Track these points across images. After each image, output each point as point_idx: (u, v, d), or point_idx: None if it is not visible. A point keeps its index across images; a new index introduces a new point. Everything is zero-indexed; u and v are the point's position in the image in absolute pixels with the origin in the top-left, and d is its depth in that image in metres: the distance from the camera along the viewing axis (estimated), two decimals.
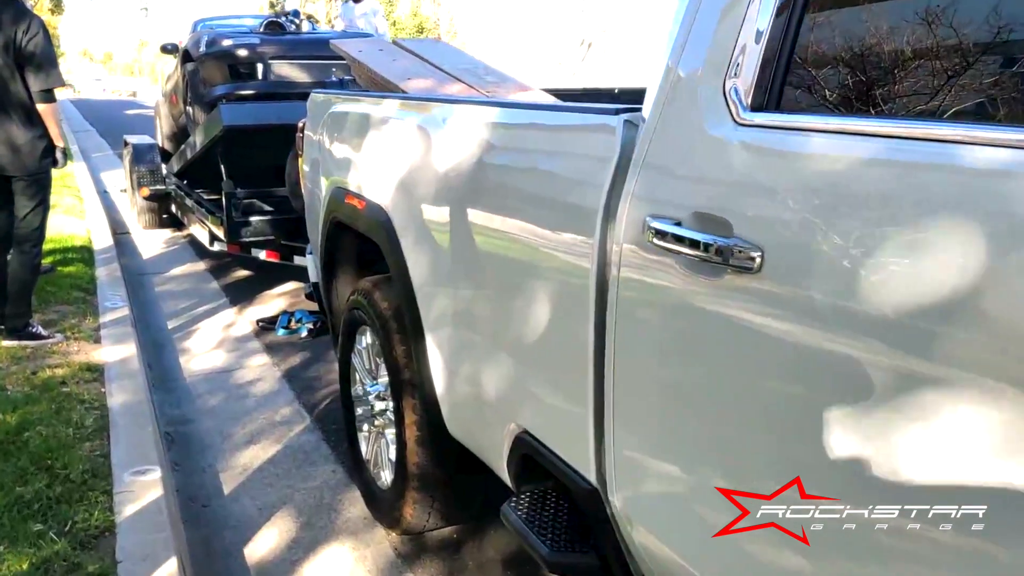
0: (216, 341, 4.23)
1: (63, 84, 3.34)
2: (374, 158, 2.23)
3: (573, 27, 32.26)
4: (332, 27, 11.86)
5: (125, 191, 8.65)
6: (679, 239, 1.05)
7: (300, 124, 3.12)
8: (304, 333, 4.27)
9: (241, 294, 5.12)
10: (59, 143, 3.37)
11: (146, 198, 6.92)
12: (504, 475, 1.73)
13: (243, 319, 4.62)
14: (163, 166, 7.00)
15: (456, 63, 3.02)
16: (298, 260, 4.76)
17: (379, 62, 2.90)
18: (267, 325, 4.42)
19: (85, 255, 5.26)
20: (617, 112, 1.28)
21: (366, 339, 2.46)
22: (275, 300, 5.01)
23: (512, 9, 33.19)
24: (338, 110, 2.62)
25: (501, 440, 1.65)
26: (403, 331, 2.15)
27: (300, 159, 3.17)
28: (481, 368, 1.71)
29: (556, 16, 32.46)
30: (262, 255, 4.92)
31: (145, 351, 3.84)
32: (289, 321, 4.36)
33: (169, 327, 4.48)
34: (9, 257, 3.43)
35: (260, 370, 3.82)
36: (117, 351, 3.49)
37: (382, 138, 2.20)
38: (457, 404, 1.89)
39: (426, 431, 2.08)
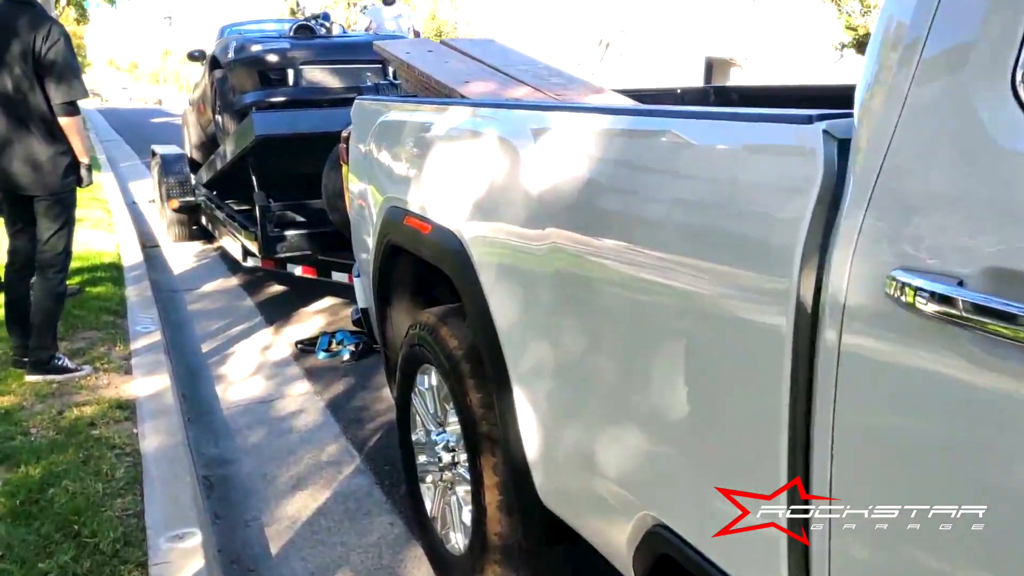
0: (253, 366, 3.95)
1: (86, 96, 3.07)
2: (442, 175, 1.91)
3: (591, 27, 31.83)
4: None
5: (153, 202, 8.47)
6: (969, 307, 0.71)
7: (344, 134, 2.82)
8: (346, 356, 3.98)
9: (277, 312, 4.84)
10: (83, 159, 3.11)
11: (175, 210, 6.70)
12: (623, 567, 1.40)
13: (281, 340, 4.35)
14: (192, 177, 6.77)
15: (513, 63, 2.70)
16: (336, 276, 4.48)
17: (430, 64, 2.59)
18: (306, 347, 4.14)
19: (114, 273, 5.03)
20: (812, 120, 0.94)
21: (430, 379, 2.15)
22: (313, 318, 4.73)
23: (529, 10, 32.83)
24: (392, 119, 2.30)
25: (624, 529, 1.32)
26: (480, 377, 1.83)
27: (344, 171, 2.86)
28: (596, 436, 1.38)
29: (574, 17, 32.05)
30: (298, 271, 4.64)
31: (179, 380, 3.57)
32: (330, 343, 4.07)
33: (203, 350, 4.21)
34: (32, 284, 3.18)
35: (302, 399, 3.53)
36: (149, 384, 3.22)
37: (451, 152, 1.88)
38: (558, 474, 1.56)
39: (511, 497, 1.76)
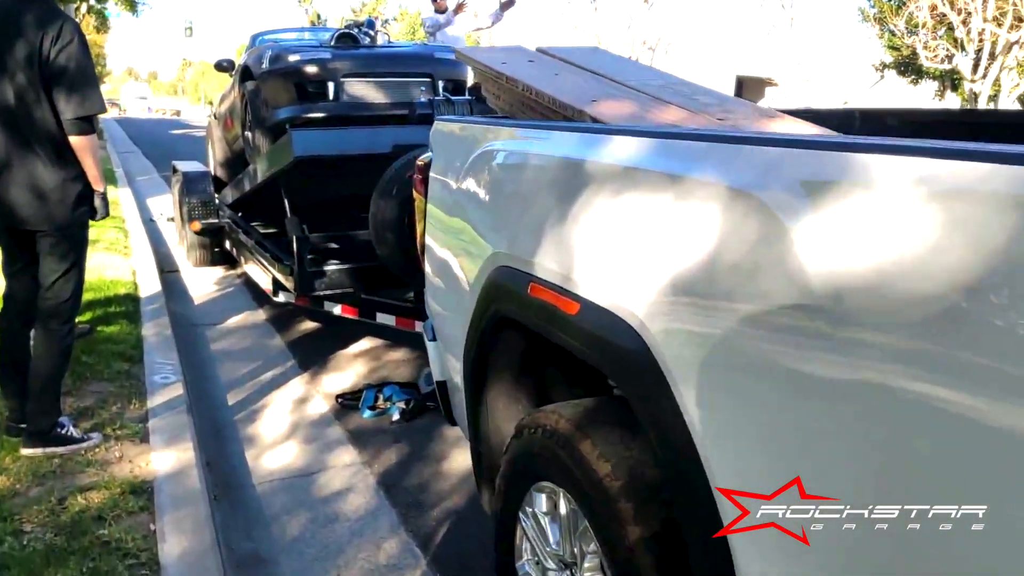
0: (288, 425, 3.39)
1: (104, 110, 2.55)
2: (603, 234, 1.35)
3: (618, 47, 31.46)
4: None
5: (172, 220, 7.99)
6: None
7: (420, 160, 2.27)
8: (396, 416, 3.41)
9: (311, 355, 4.29)
10: (98, 187, 2.58)
11: (197, 233, 6.18)
12: None
13: (317, 390, 3.79)
14: (216, 197, 6.26)
15: (640, 77, 2.15)
16: (381, 319, 3.92)
17: (539, 78, 2.05)
18: (348, 402, 3.58)
19: (129, 307, 4.50)
20: None
21: (553, 504, 1.58)
22: (353, 364, 4.17)
23: (556, 26, 32.57)
24: (504, 149, 1.75)
25: None
26: (656, 532, 1.26)
27: (418, 206, 2.31)
28: None
29: (602, 33, 31.72)
30: (336, 310, 4.09)
31: (203, 441, 3.01)
32: (376, 399, 3.51)
33: (229, 402, 3.66)
34: (32, 336, 2.64)
35: (348, 473, 2.96)
36: (169, 457, 2.67)
37: (624, 203, 1.32)
38: None
39: None
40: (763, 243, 1.00)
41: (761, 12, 35.92)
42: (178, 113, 57.85)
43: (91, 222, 2.66)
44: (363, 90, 4.74)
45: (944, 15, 18.85)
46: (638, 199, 1.27)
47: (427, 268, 2.27)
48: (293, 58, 4.67)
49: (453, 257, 2.02)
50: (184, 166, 6.75)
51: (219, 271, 6.39)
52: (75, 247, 2.57)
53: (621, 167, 1.32)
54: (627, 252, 1.27)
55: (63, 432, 2.63)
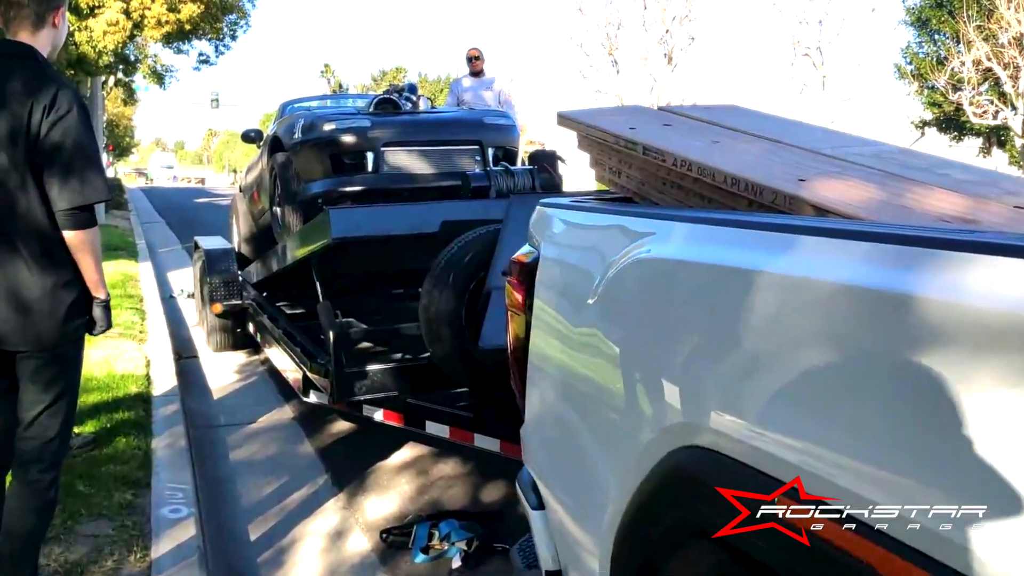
0: (323, 572, 2.74)
1: (109, 197, 2.02)
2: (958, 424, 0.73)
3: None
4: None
5: (192, 296, 7.51)
6: None
7: (520, 257, 1.70)
8: (456, 561, 2.75)
9: (346, 468, 3.66)
10: (98, 294, 2.02)
11: (219, 315, 5.64)
12: None
13: (356, 521, 3.15)
14: (239, 275, 5.75)
15: (832, 143, 1.58)
16: (433, 428, 3.30)
17: (695, 148, 1.49)
18: (397, 537, 2.93)
19: (140, 411, 3.91)
20: None
21: None
22: (396, 482, 3.53)
23: (578, 90, 32.67)
24: (682, 259, 1.15)
25: None
26: None
27: (514, 327, 1.72)
28: None
29: (625, 95, 31.75)
30: (378, 416, 3.47)
31: None
32: (430, 537, 2.85)
33: (251, 536, 3.02)
34: (8, 486, 2.04)
35: None
36: None
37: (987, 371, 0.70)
38: None
39: None
40: None
41: (792, 71, 35.79)
42: (203, 181, 58.77)
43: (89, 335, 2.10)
44: (405, 160, 4.26)
45: (990, 69, 18.44)
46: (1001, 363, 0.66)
47: (531, 399, 1.67)
48: (328, 127, 4.22)
49: (585, 403, 1.41)
50: (206, 242, 6.27)
51: (240, 356, 5.83)
52: (65, 372, 2.00)
53: (959, 305, 0.71)
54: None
55: None
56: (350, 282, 4.74)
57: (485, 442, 3.07)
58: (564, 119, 1.80)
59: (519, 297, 1.62)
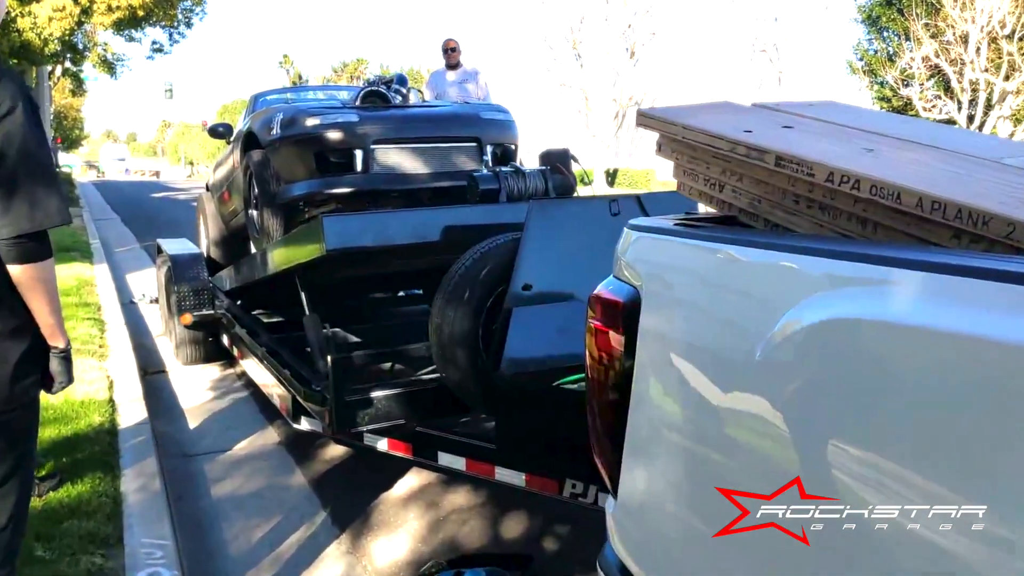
0: None
1: (67, 221, 1.60)
2: None
3: (606, 101, 31.08)
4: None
5: (155, 301, 7.02)
6: None
7: (605, 295, 1.34)
8: None
9: (345, 501, 3.28)
10: (56, 343, 1.61)
11: (188, 327, 5.18)
12: None
13: (366, 569, 2.78)
14: (210, 281, 5.29)
15: (974, 145, 1.27)
16: (446, 460, 2.94)
17: (848, 158, 1.15)
18: None
19: (104, 444, 3.47)
20: None
21: None
22: (404, 516, 3.16)
23: (543, 82, 32.15)
24: (945, 332, 0.81)
25: None
26: None
27: (590, 357, 1.36)
28: None
29: (589, 89, 31.37)
30: (382, 445, 3.10)
31: None
32: None
33: None
34: None
35: None
36: None
37: None
38: None
39: None
40: None
41: (749, 67, 35.94)
42: (157, 174, 56.96)
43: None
44: (398, 159, 3.86)
45: (937, 66, 18.87)
46: None
47: (631, 474, 1.31)
48: (311, 122, 3.79)
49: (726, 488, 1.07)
50: (170, 246, 5.78)
51: (213, 370, 5.37)
52: (16, 445, 1.58)
53: None
54: None
55: None
56: (335, 290, 4.34)
57: (508, 476, 2.72)
58: (647, 118, 1.44)
59: (615, 347, 1.27)
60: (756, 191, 1.32)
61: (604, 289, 1.34)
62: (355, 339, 4.29)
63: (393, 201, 3.96)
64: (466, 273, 2.71)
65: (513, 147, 4.25)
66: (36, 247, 1.53)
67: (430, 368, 3.28)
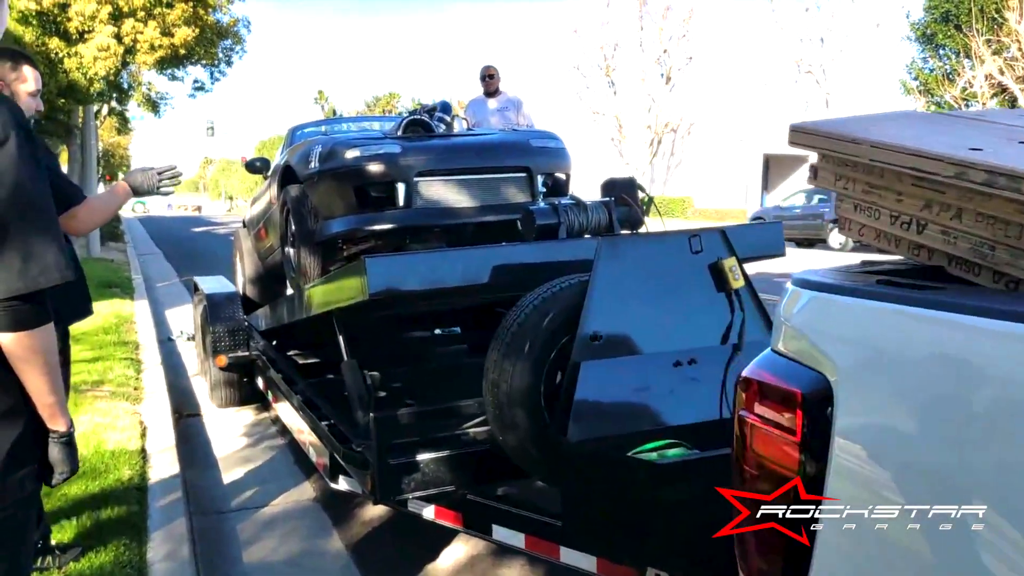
0: None
1: (67, 277, 1.34)
2: None
3: (640, 128, 30.81)
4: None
5: (192, 339, 6.84)
6: None
7: (777, 383, 1.01)
8: None
9: (387, 571, 2.96)
10: (56, 426, 1.34)
11: (223, 368, 4.96)
12: None
13: None
14: (246, 320, 5.08)
15: None
16: (500, 534, 2.60)
17: None
18: None
19: (133, 504, 3.21)
20: None
21: None
22: None
23: (574, 110, 32.02)
24: None
25: None
26: None
27: (749, 448, 1.04)
28: None
29: (623, 116, 31.16)
30: (428, 513, 2.77)
31: None
32: None
33: None
34: None
35: None
36: None
37: None
38: None
39: None
40: None
41: (795, 89, 35.34)
42: (199, 209, 58.23)
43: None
44: (442, 192, 3.60)
45: (1002, 84, 18.09)
46: None
47: None
48: (351, 154, 3.56)
49: None
50: (207, 284, 5.60)
51: (248, 414, 5.14)
52: (4, 544, 1.31)
53: None
54: None
55: None
56: (371, 330, 4.08)
57: (576, 559, 2.37)
58: (804, 134, 1.13)
59: (789, 449, 0.93)
60: (985, 233, 0.98)
61: (766, 371, 1.01)
62: (395, 383, 4.00)
63: (434, 235, 3.69)
64: (525, 321, 2.40)
65: (565, 177, 3.97)
66: (31, 311, 1.26)
67: (479, 419, 2.98)
